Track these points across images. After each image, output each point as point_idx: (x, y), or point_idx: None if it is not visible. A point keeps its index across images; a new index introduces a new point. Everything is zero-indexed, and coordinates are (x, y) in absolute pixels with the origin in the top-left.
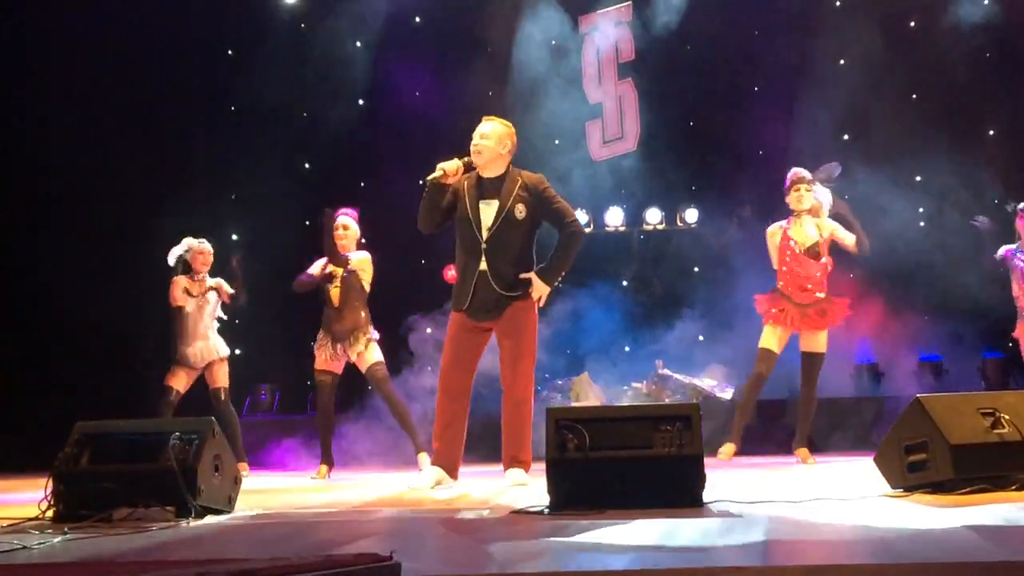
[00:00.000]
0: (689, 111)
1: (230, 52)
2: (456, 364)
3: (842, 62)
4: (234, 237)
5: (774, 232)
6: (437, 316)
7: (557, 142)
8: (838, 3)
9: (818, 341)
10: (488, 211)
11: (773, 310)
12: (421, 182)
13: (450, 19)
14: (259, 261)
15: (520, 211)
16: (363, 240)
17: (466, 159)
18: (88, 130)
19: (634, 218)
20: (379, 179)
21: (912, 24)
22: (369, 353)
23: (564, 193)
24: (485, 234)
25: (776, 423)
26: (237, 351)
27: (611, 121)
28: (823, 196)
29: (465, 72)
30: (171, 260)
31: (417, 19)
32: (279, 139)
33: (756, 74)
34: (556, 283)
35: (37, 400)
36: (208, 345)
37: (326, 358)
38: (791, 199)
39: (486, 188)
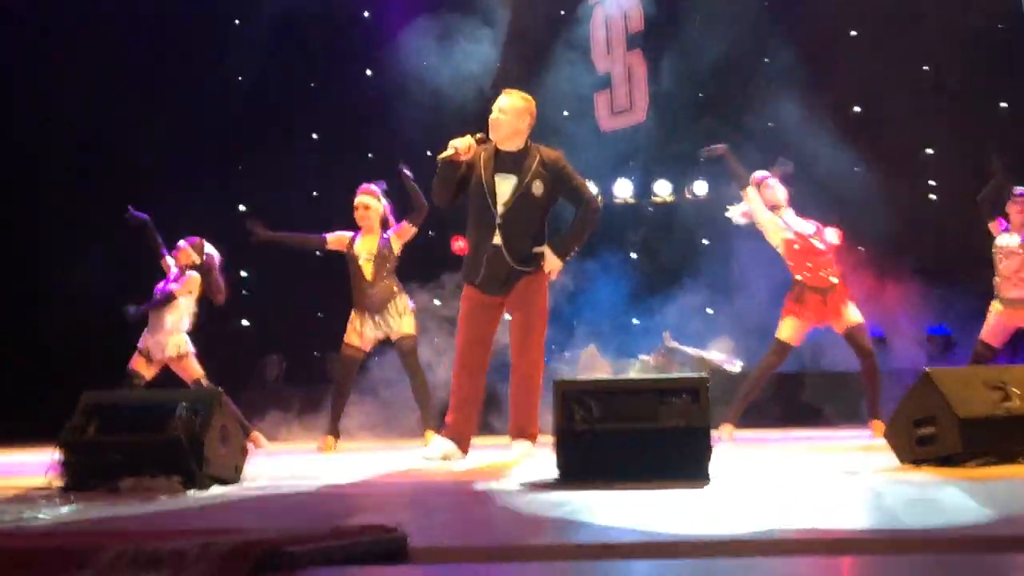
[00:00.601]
0: (698, 82)
1: (237, 21)
2: (473, 340)
3: (853, 33)
4: (241, 208)
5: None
6: (436, 289)
7: (565, 113)
8: None
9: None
10: (505, 186)
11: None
12: (437, 158)
13: None
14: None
15: (538, 187)
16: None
17: (479, 134)
18: (91, 104)
19: (643, 190)
20: (386, 150)
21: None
22: (404, 322)
23: (572, 164)
24: (501, 209)
25: (778, 397)
26: (245, 322)
27: (620, 92)
28: (779, 191)
29: (473, 42)
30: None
31: None
32: (285, 109)
33: (766, 44)
34: (568, 258)
35: (39, 370)
36: (168, 341)
37: (358, 334)
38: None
39: (503, 162)
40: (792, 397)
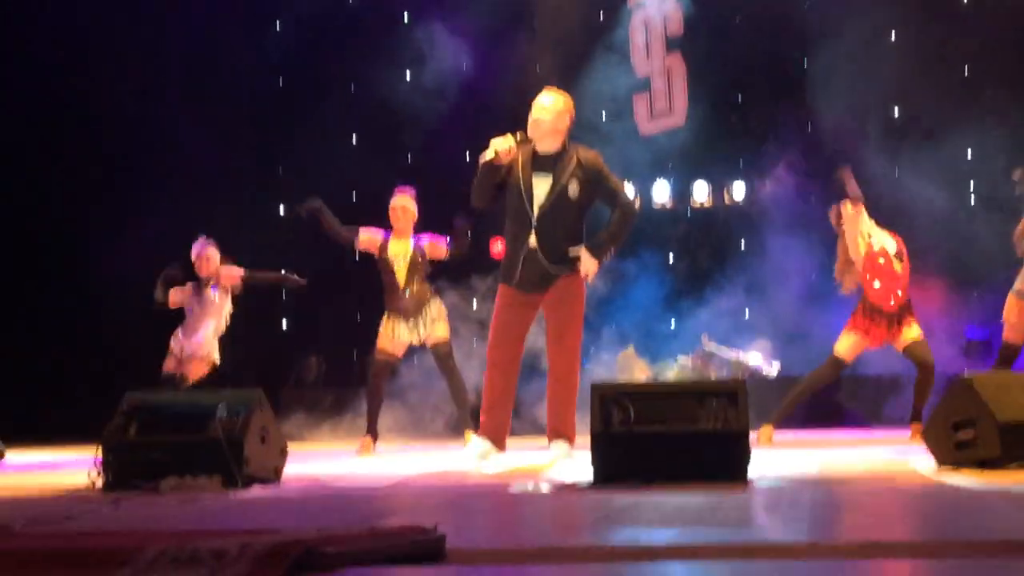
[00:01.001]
0: (737, 85)
1: (278, 24)
2: (505, 338)
3: (892, 38)
4: (281, 208)
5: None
6: (466, 292)
7: (604, 115)
8: None
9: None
10: (542, 186)
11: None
12: (479, 160)
13: None
14: (307, 232)
15: (574, 189)
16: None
17: (519, 133)
18: (141, 97)
19: (681, 193)
20: (427, 151)
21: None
22: (438, 327)
23: (610, 166)
24: (537, 211)
25: (815, 398)
26: (284, 322)
27: (659, 95)
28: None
29: (512, 44)
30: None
31: None
32: (326, 111)
33: (805, 47)
34: (605, 260)
35: (79, 369)
36: (198, 342)
37: (391, 338)
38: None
39: (541, 162)
40: (816, 398)
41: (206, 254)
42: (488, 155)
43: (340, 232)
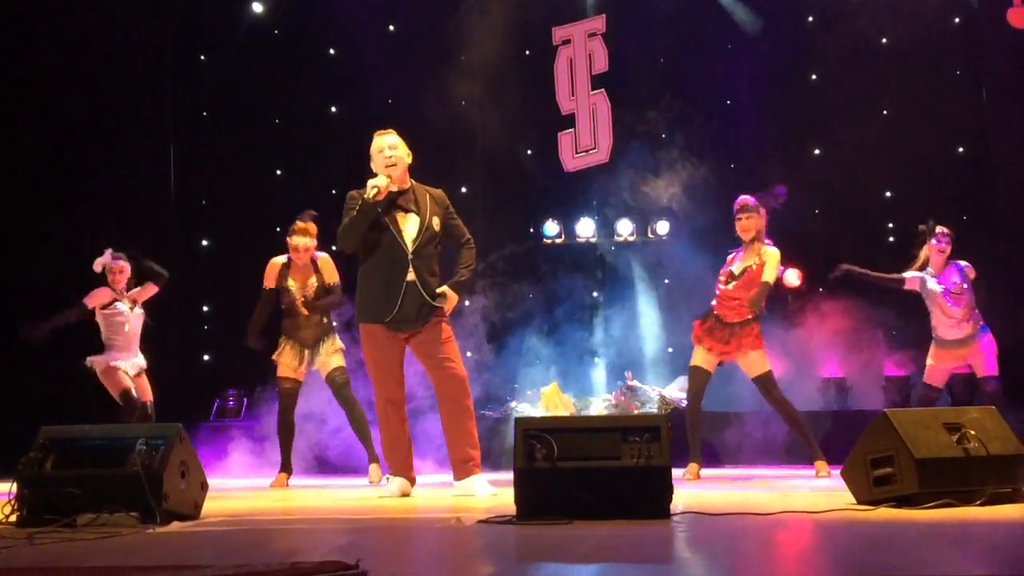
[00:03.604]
0: (661, 122)
1: (203, 57)
2: (388, 378)
3: (814, 77)
4: (204, 243)
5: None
6: None
7: (529, 152)
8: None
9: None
10: (410, 223)
11: None
12: (363, 201)
13: (424, 28)
14: (229, 266)
15: (437, 224)
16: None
17: (389, 174)
18: (53, 128)
19: (605, 229)
20: (349, 188)
21: (884, 41)
22: (333, 358)
23: (536, 202)
24: (411, 245)
25: (731, 436)
26: (206, 357)
27: (584, 132)
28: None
29: (437, 81)
30: (97, 268)
31: (391, 27)
32: (250, 145)
33: (729, 85)
34: (463, 296)
35: None
36: (137, 359)
37: (291, 365)
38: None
39: (400, 199)
40: (738, 436)
41: (119, 266)
42: (371, 193)
43: (264, 314)
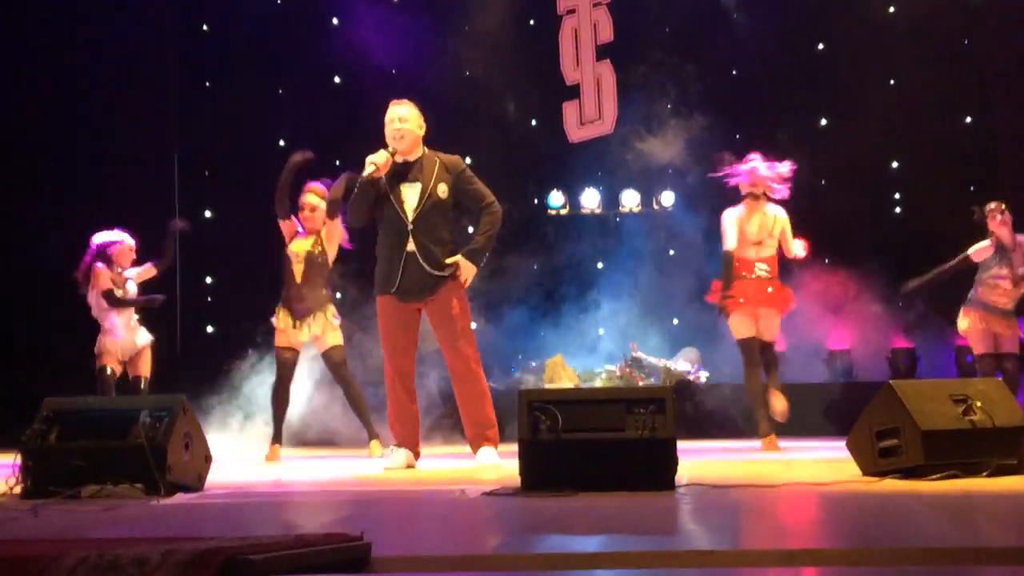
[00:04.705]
0: (667, 93)
1: (205, 27)
2: (397, 349)
3: (821, 47)
4: (207, 214)
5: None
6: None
7: (534, 122)
8: None
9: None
10: (411, 193)
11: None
12: (359, 179)
13: None
14: (232, 237)
15: (443, 191)
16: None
17: (393, 148)
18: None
19: (610, 200)
20: (356, 158)
21: (891, 10)
22: (329, 335)
23: (540, 173)
24: (411, 215)
25: (736, 409)
26: (209, 328)
27: (588, 102)
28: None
29: (442, 51)
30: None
31: None
32: (253, 115)
33: (735, 56)
34: (482, 264)
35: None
36: (132, 338)
37: (288, 335)
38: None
39: (406, 171)
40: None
41: (129, 245)
42: (368, 170)
43: (284, 196)
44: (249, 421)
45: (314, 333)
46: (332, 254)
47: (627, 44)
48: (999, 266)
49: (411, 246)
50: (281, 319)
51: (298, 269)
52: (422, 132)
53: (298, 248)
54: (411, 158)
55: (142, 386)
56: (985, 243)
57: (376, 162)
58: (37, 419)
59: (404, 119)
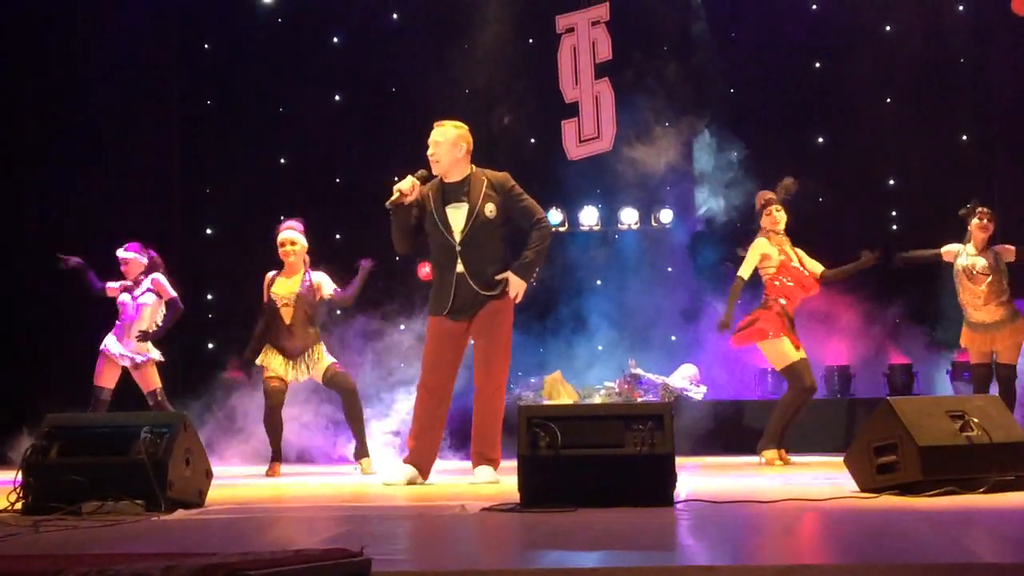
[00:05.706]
0: (665, 111)
1: (207, 45)
2: (438, 367)
3: (818, 65)
4: (208, 231)
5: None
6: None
7: (533, 140)
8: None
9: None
10: (457, 215)
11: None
12: (386, 206)
13: (428, 16)
14: (233, 254)
15: (491, 210)
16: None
17: (421, 172)
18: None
19: (609, 218)
20: (354, 176)
21: (888, 28)
22: (322, 362)
23: (539, 191)
24: (458, 236)
25: (734, 425)
26: (209, 345)
27: (587, 120)
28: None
29: (441, 68)
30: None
31: (395, 15)
32: (255, 133)
33: (733, 74)
34: (532, 280)
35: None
36: (137, 345)
37: (278, 368)
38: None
39: (452, 192)
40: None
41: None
42: (393, 198)
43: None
44: (250, 437)
45: (310, 372)
46: (327, 291)
47: (626, 62)
48: (963, 291)
49: (460, 267)
50: (270, 360)
51: (286, 312)
52: (462, 153)
53: (283, 291)
54: (457, 178)
55: (158, 398)
56: (956, 247)
57: (401, 188)
58: (38, 434)
59: (436, 142)
